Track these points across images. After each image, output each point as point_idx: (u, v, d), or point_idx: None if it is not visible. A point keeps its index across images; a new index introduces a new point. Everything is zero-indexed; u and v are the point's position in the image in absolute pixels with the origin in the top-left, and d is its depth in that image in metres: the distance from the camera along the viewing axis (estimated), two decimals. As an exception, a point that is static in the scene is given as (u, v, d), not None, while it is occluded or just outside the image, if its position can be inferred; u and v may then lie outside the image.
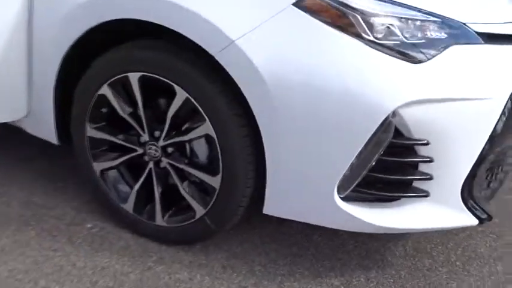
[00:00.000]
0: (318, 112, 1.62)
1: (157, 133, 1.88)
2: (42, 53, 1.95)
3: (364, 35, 1.61)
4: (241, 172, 1.78)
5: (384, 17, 1.64)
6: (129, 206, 2.00)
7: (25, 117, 2.11)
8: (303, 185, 1.72)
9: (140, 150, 1.93)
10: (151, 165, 1.93)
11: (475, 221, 1.82)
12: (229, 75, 1.68)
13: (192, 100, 1.75)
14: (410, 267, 2.00)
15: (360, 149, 1.63)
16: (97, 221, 2.11)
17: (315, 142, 1.65)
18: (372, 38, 1.61)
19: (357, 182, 1.70)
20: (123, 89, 1.89)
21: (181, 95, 1.77)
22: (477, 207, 1.82)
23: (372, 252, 2.05)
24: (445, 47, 1.68)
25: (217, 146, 1.77)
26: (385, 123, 1.62)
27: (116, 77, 1.86)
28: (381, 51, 1.62)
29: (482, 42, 1.77)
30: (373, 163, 1.68)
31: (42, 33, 1.93)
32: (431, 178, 1.73)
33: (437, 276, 1.97)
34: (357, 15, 1.61)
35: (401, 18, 1.66)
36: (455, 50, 1.70)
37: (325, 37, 1.62)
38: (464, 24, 1.75)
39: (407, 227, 1.78)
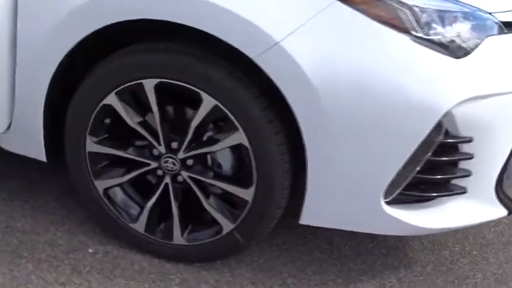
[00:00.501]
0: (368, 114, 1.51)
1: (174, 144, 1.68)
2: (30, 61, 1.67)
3: (412, 31, 1.50)
4: (277, 182, 1.63)
5: (429, 11, 1.53)
6: (139, 226, 1.79)
7: (3, 133, 1.81)
8: (348, 192, 1.61)
9: (154, 164, 1.72)
10: (167, 179, 1.72)
11: (505, 212, 1.79)
12: (265, 79, 1.51)
13: (222, 108, 1.57)
14: (433, 262, 1.96)
15: (412, 152, 1.53)
16: (97, 244, 1.87)
17: (364, 146, 1.54)
18: (420, 34, 1.51)
19: (404, 185, 1.61)
20: (132, 97, 1.66)
21: (208, 103, 1.58)
22: (506, 198, 1.79)
23: (392, 250, 1.99)
24: (482, 39, 1.61)
25: (252, 156, 1.60)
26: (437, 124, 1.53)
27: (126, 85, 1.63)
28: (428, 47, 1.52)
29: (507, 31, 1.71)
30: (422, 165, 1.59)
31: (30, 41, 1.65)
32: (470, 175, 1.67)
33: (461, 269, 1.94)
34: (405, 10, 1.49)
35: (441, 11, 1.56)
36: (489, 42, 1.63)
37: (374, 34, 1.50)
38: (490, 14, 1.68)
39: (448, 226, 1.73)
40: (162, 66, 1.59)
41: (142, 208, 1.79)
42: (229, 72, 1.55)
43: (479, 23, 1.62)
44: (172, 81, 1.59)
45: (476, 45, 1.59)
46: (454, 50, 1.55)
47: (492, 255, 2.02)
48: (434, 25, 1.54)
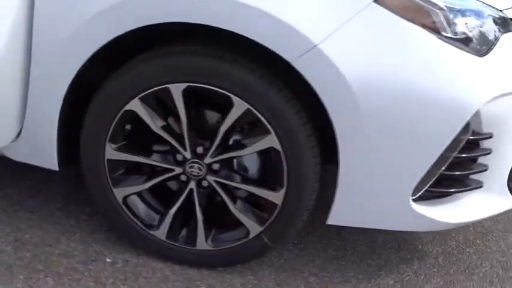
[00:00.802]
0: (403, 114, 1.51)
1: (199, 149, 1.63)
2: (47, 66, 1.58)
3: (442, 32, 1.52)
4: (309, 185, 1.62)
5: (455, 11, 1.55)
6: (161, 233, 1.74)
7: (12, 142, 1.71)
8: (378, 191, 1.62)
9: (178, 170, 1.67)
10: (192, 185, 1.68)
11: (514, 203, 1.85)
12: (298, 81, 1.50)
13: (254, 111, 1.54)
14: (443, 253, 2.01)
15: (442, 151, 1.55)
16: (114, 253, 1.81)
17: (396, 146, 1.55)
18: (450, 34, 1.53)
19: (431, 182, 1.63)
20: (156, 101, 1.60)
21: (240, 106, 1.54)
22: (515, 189, 1.85)
23: (403, 243, 2.03)
24: (499, 37, 1.65)
25: (283, 159, 1.58)
26: (465, 122, 1.56)
27: (151, 90, 1.56)
28: (457, 47, 1.54)
29: (514, 28, 1.76)
30: (448, 163, 1.62)
31: (49, 45, 1.56)
32: (487, 169, 1.71)
33: (469, 258, 2.00)
34: (437, 11, 1.51)
35: (465, 10, 1.59)
36: (504, 39, 1.67)
37: (408, 35, 1.50)
38: (501, 11, 1.73)
39: (467, 220, 1.76)
40: (192, 70, 1.54)
41: (163, 215, 1.73)
42: (261, 75, 1.52)
43: (497, 21, 1.66)
44: (202, 86, 1.54)
45: (495, 43, 1.62)
46: (478, 48, 1.58)
47: (494, 243, 2.10)
48: (460, 24, 1.56)
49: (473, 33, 1.57)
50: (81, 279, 1.68)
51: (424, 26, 1.50)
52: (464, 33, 1.56)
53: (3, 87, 1.58)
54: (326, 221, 1.67)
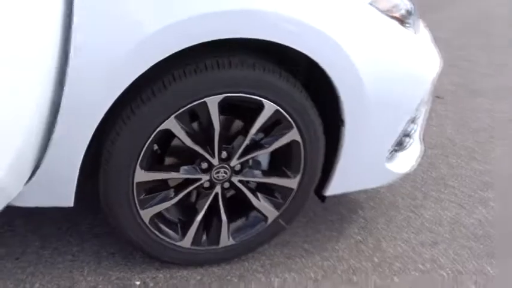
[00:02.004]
0: (391, 91, 1.75)
1: (224, 154, 1.69)
2: (80, 101, 1.43)
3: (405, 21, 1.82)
4: (319, 168, 1.81)
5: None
6: (186, 242, 1.75)
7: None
8: (367, 159, 1.88)
9: (205, 177, 1.69)
10: (217, 189, 1.73)
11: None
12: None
13: (282, 111, 1.66)
14: (385, 214, 2.34)
15: (410, 117, 1.90)
16: (137, 275, 1.75)
17: (384, 118, 1.79)
18: (408, 24, 1.84)
19: (395, 143, 1.96)
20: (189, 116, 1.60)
21: (269, 108, 1.64)
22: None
23: (348, 213, 2.30)
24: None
25: (302, 148, 1.74)
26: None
27: (187, 106, 1.55)
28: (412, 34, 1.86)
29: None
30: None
31: (84, 79, 1.41)
32: (417, 128, 2.12)
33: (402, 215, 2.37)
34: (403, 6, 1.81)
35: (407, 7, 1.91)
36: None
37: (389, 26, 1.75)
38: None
39: (409, 168, 2.13)
40: (230, 81, 1.57)
41: (187, 224, 1.74)
42: (287, 79, 1.64)
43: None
44: (237, 95, 1.59)
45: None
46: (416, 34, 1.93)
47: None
48: (409, 17, 1.88)
49: (412, 22, 1.91)
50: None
51: (398, 20, 1.78)
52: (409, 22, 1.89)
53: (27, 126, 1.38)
54: (324, 193, 1.88)
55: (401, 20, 1.81)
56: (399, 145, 2.02)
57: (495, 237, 2.28)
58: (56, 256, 1.77)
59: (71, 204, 1.58)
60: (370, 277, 1.93)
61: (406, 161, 2.11)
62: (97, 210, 1.74)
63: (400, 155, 2.07)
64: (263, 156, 1.80)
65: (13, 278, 1.66)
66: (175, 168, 1.66)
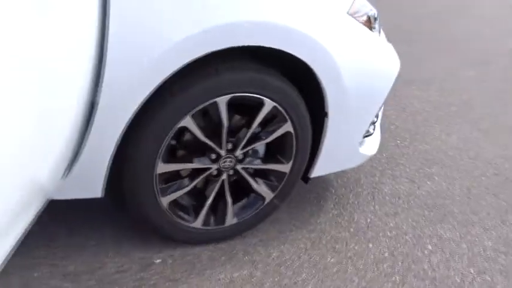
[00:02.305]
0: (365, 83, 2.03)
1: (229, 145, 1.94)
2: (115, 99, 1.62)
3: (372, 26, 2.13)
4: (307, 155, 2.09)
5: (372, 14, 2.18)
6: (198, 223, 1.99)
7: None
8: (345, 147, 2.19)
9: (215, 166, 1.94)
10: (224, 176, 1.97)
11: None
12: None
13: (279, 107, 1.92)
14: (359, 193, 2.70)
15: (381, 105, 2.21)
16: (157, 254, 1.98)
17: (360, 107, 2.07)
18: (375, 29, 2.16)
19: (367, 129, 2.28)
20: (202, 114, 1.83)
21: (268, 105, 1.89)
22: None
23: (323, 191, 2.63)
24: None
25: (294, 138, 2.01)
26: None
27: (203, 106, 1.79)
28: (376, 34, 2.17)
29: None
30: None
31: (119, 78, 1.60)
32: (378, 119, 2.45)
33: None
34: (371, 14, 2.11)
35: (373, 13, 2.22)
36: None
37: (359, 29, 2.04)
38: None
39: (374, 151, 2.45)
40: (239, 83, 1.80)
41: (198, 207, 1.98)
42: (283, 79, 1.90)
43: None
44: (243, 94, 1.83)
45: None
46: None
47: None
48: (375, 22, 2.18)
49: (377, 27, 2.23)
50: (151, 283, 1.83)
51: (365, 24, 2.08)
52: (375, 26, 2.20)
53: (66, 123, 1.54)
54: (309, 175, 2.17)
55: (370, 25, 2.11)
56: (367, 132, 2.34)
57: (443, 205, 2.66)
58: (83, 242, 1.95)
59: (100, 195, 1.78)
60: (349, 245, 2.25)
61: (372, 145, 2.43)
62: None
63: (367, 140, 2.39)
64: (260, 146, 2.05)
65: (46, 264, 1.83)
66: (189, 159, 1.89)
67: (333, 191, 2.59)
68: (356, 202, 2.55)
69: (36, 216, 1.53)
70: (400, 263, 2.19)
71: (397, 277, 2.11)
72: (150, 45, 1.60)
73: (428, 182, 2.86)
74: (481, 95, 4.18)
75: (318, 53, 1.85)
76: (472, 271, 2.23)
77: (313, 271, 2.05)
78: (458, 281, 2.16)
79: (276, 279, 1.96)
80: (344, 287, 2.00)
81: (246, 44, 1.70)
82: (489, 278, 2.22)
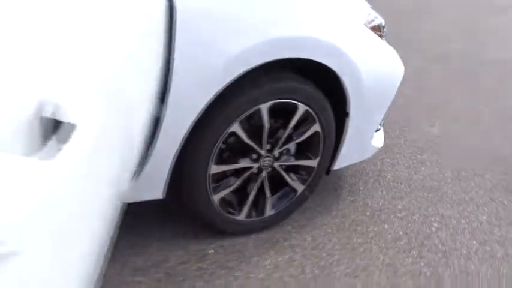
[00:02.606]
0: (379, 84, 2.31)
1: (268, 146, 2.18)
2: (181, 104, 1.82)
3: (382, 34, 2.41)
4: (331, 150, 2.35)
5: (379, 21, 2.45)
6: (242, 216, 2.23)
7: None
8: (362, 141, 2.46)
9: (256, 165, 2.18)
10: (264, 173, 2.22)
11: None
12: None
13: (310, 110, 2.17)
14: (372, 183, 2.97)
15: (391, 100, 2.48)
16: (209, 245, 2.20)
17: (376, 103, 2.36)
18: (383, 35, 2.43)
19: (380, 123, 2.55)
20: (247, 119, 2.06)
21: (302, 109, 2.14)
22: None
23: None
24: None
25: (321, 137, 2.27)
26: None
27: (249, 112, 2.01)
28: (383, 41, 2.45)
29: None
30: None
31: (185, 85, 1.77)
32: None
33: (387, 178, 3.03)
34: (379, 21, 2.38)
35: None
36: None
37: (372, 37, 2.32)
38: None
39: (382, 144, 2.73)
40: (280, 90, 2.04)
41: (241, 202, 2.21)
42: (311, 86, 2.15)
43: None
44: (282, 101, 2.08)
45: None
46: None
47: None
48: (383, 30, 2.45)
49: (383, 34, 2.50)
50: (209, 272, 2.06)
51: (378, 35, 2.36)
52: (382, 34, 2.47)
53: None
54: (332, 168, 2.44)
55: (380, 34, 2.38)
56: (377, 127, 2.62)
57: (438, 187, 2.97)
58: (147, 239, 2.17)
59: (161, 196, 1.99)
60: (368, 227, 2.52)
61: (380, 138, 2.71)
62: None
63: (376, 134, 2.67)
64: (292, 145, 2.30)
65: (119, 261, 2.04)
66: (234, 160, 2.12)
67: (345, 180, 2.86)
68: (366, 189, 2.83)
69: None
70: (414, 240, 2.48)
71: (415, 252, 2.40)
72: (211, 59, 1.81)
73: (422, 168, 3.17)
74: (451, 91, 4.53)
75: (343, 62, 2.11)
76: (475, 243, 2.54)
77: (343, 252, 2.31)
78: (465, 252, 2.46)
79: (315, 261, 2.22)
80: (372, 264, 2.27)
81: (289, 56, 1.94)
82: (489, 248, 2.53)
